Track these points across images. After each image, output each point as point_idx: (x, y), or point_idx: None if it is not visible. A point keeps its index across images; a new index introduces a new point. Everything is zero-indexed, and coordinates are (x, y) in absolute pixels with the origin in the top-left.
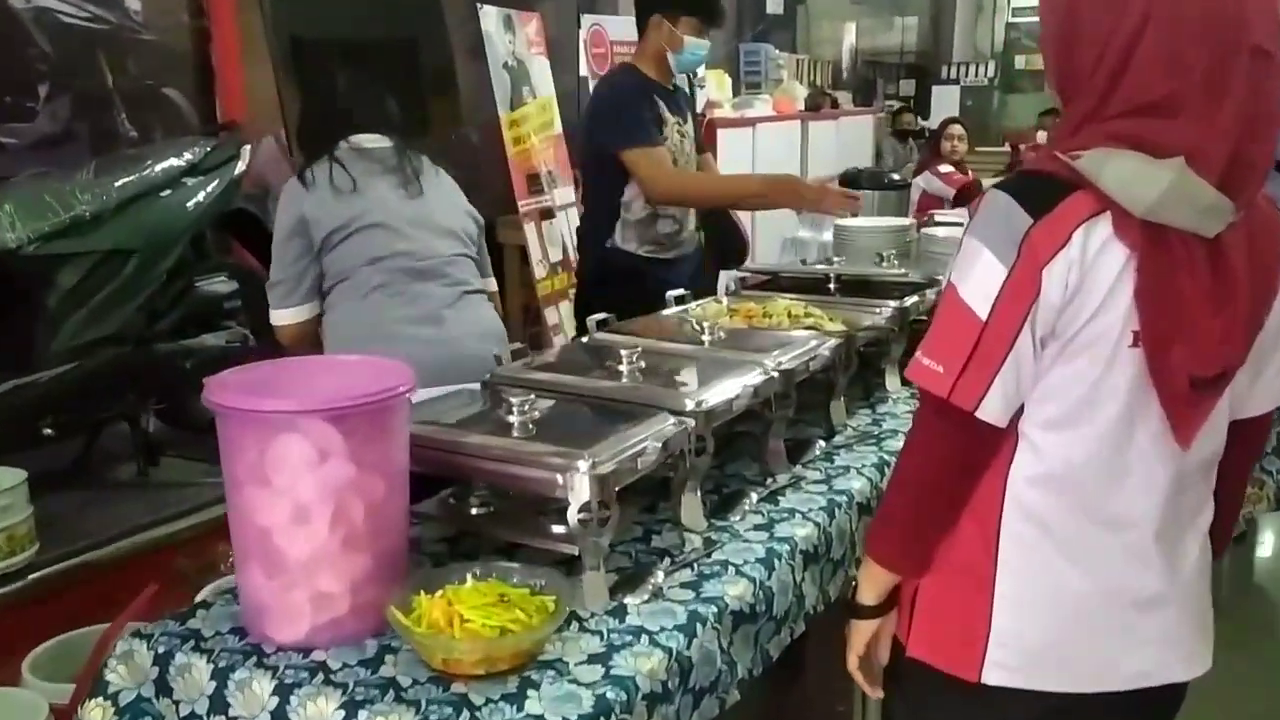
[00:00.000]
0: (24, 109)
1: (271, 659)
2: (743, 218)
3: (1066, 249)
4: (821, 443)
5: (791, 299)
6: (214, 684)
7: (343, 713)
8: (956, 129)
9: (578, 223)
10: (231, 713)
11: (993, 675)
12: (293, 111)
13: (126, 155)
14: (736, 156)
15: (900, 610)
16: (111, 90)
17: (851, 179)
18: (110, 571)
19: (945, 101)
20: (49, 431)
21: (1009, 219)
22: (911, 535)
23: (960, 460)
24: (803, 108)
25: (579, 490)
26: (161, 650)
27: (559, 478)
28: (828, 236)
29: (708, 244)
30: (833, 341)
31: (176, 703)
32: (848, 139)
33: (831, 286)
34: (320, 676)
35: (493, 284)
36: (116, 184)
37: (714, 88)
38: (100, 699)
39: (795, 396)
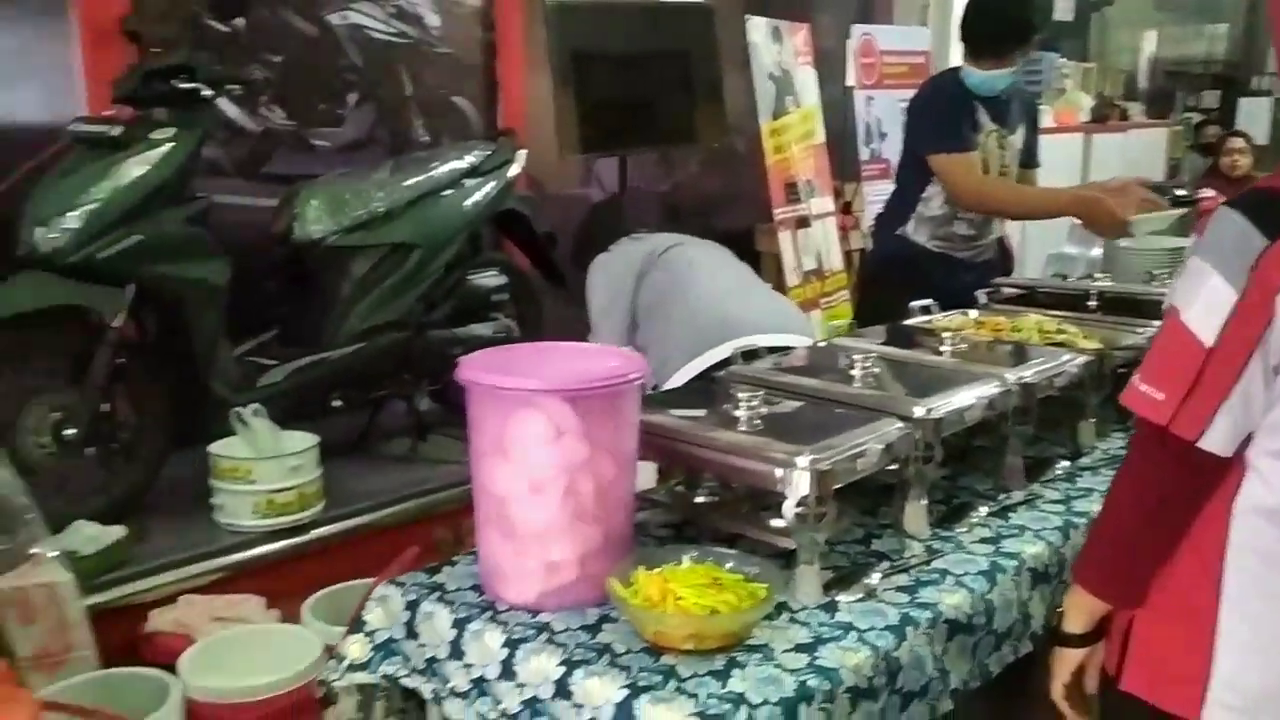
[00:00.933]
0: (334, 115)
1: (503, 615)
2: (1011, 231)
3: None
4: (1065, 463)
5: (1045, 315)
6: (454, 632)
7: (562, 669)
8: (1238, 142)
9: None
10: (466, 659)
11: (1216, 716)
12: (568, 120)
13: (416, 157)
14: None
15: (1110, 640)
16: (409, 99)
17: None
18: (382, 533)
19: (1254, 115)
20: (337, 404)
21: (1242, 240)
22: (1123, 565)
23: (1179, 491)
24: (1087, 119)
25: (797, 485)
26: (411, 598)
27: (778, 472)
28: (1097, 253)
29: None
30: (1081, 359)
31: (421, 645)
32: (1136, 152)
33: (1091, 304)
34: (544, 636)
35: None
36: (406, 184)
37: None
38: (360, 635)
39: (1035, 412)
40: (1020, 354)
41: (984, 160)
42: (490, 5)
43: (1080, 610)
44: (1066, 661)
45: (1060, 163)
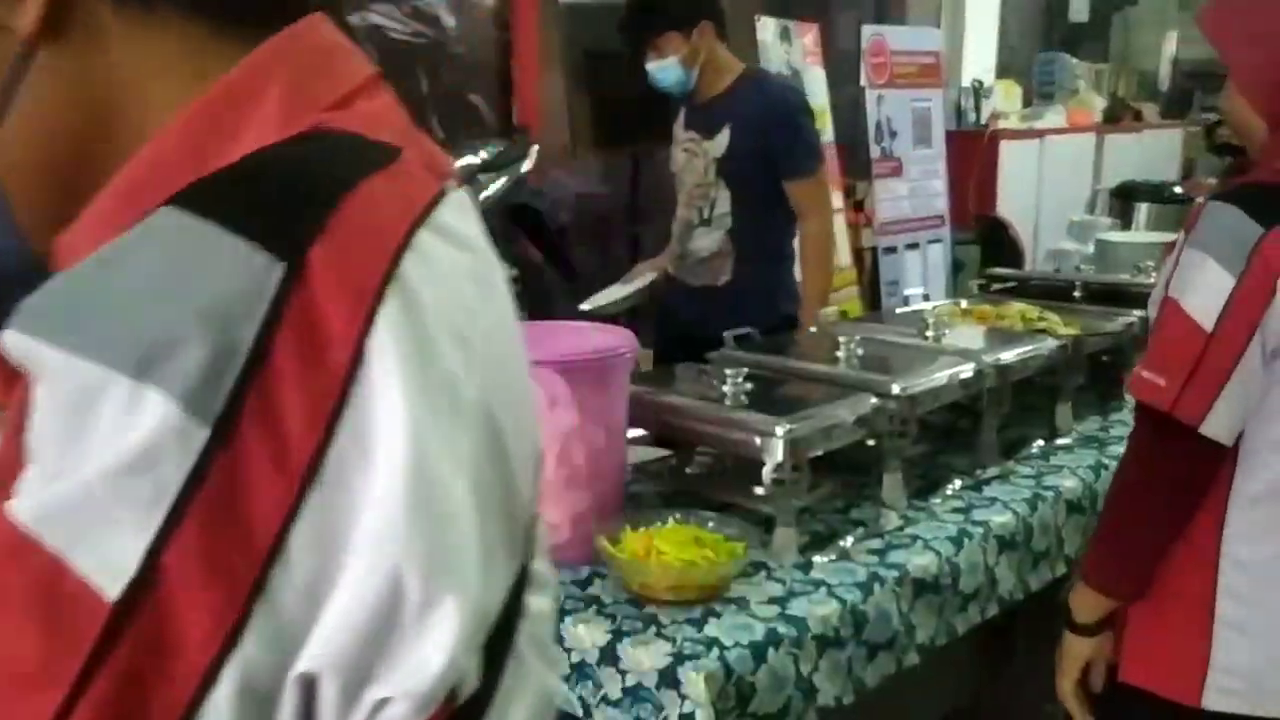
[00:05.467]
0: None
1: None
2: (1020, 230)
3: None
4: (1040, 442)
5: (1030, 304)
6: None
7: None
8: None
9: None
10: None
11: (1215, 700)
12: (580, 117)
13: None
14: (1021, 170)
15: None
16: (426, 97)
17: (1127, 191)
18: None
19: None
20: None
21: (1236, 229)
22: (1128, 559)
23: (1181, 479)
24: (1100, 120)
25: (773, 452)
26: None
27: (756, 440)
28: (1091, 248)
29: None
30: (1055, 343)
31: None
32: (1150, 153)
33: (1076, 294)
34: None
35: None
36: None
37: (1001, 98)
38: None
39: (1010, 393)
40: (998, 338)
41: (677, 175)
42: (505, 6)
43: (1086, 606)
44: (1075, 655)
45: (1071, 163)
